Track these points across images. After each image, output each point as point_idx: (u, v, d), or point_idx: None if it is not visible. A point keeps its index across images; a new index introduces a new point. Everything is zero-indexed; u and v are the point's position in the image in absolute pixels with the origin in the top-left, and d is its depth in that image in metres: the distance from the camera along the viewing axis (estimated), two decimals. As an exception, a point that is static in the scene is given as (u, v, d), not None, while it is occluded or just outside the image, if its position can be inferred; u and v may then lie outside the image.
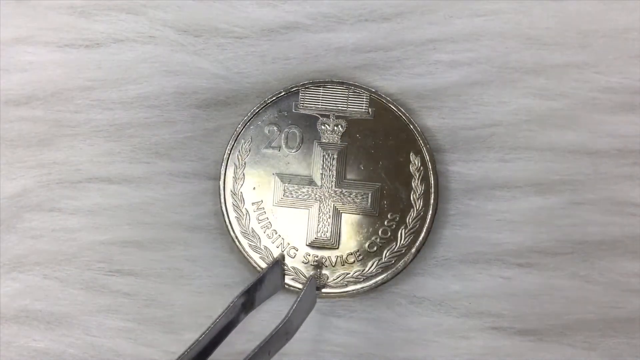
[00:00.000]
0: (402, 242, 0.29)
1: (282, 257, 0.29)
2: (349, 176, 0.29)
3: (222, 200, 0.29)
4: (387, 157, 0.29)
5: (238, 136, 0.29)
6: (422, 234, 0.29)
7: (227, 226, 0.29)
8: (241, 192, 0.29)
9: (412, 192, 0.29)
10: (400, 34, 0.29)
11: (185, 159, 0.30)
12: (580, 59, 0.29)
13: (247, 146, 0.29)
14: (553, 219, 0.28)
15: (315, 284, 0.28)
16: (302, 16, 0.30)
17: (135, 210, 0.30)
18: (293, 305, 0.25)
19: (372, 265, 0.29)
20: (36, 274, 0.29)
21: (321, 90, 0.30)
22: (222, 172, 0.29)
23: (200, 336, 0.23)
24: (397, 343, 0.28)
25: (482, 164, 0.29)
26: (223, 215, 0.29)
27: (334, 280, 0.29)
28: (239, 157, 0.29)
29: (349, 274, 0.29)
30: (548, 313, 0.28)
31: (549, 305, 0.28)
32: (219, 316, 0.24)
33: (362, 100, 0.29)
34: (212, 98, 0.30)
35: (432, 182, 0.29)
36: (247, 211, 0.29)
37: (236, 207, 0.29)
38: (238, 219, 0.29)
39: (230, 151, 0.29)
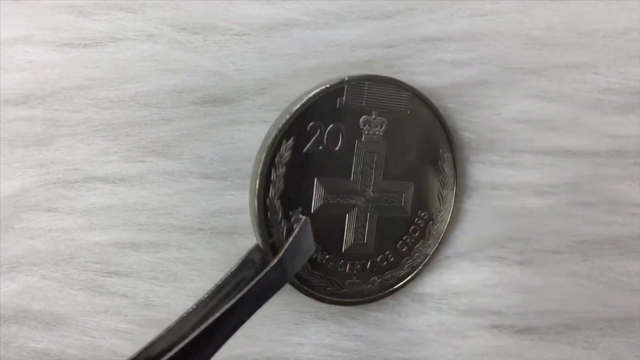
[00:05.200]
0: (429, 239, 0.29)
1: (307, 219, 0.27)
2: (388, 175, 0.28)
3: (256, 201, 0.27)
4: (420, 155, 0.29)
5: (278, 133, 0.27)
6: (445, 229, 0.29)
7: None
8: (277, 193, 0.27)
9: (440, 189, 0.29)
10: (401, 31, 0.29)
11: (182, 157, 0.30)
12: (580, 59, 0.29)
13: (287, 145, 0.27)
14: (553, 218, 0.28)
15: (310, 227, 0.27)
16: (301, 13, 0.29)
17: (130, 210, 0.29)
18: (287, 243, 0.24)
19: (404, 265, 0.28)
20: (34, 274, 0.29)
21: (365, 86, 0.28)
22: (258, 171, 0.27)
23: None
24: (397, 343, 0.29)
25: (482, 163, 0.29)
26: (257, 214, 0.27)
27: (367, 286, 0.28)
28: (278, 155, 0.27)
29: (382, 277, 0.28)
30: (548, 312, 0.28)
31: (550, 304, 0.28)
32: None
33: (402, 98, 0.28)
34: (210, 95, 0.30)
35: (457, 178, 0.29)
36: (282, 212, 0.27)
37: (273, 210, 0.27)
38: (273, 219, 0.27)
39: (272, 149, 0.27)
